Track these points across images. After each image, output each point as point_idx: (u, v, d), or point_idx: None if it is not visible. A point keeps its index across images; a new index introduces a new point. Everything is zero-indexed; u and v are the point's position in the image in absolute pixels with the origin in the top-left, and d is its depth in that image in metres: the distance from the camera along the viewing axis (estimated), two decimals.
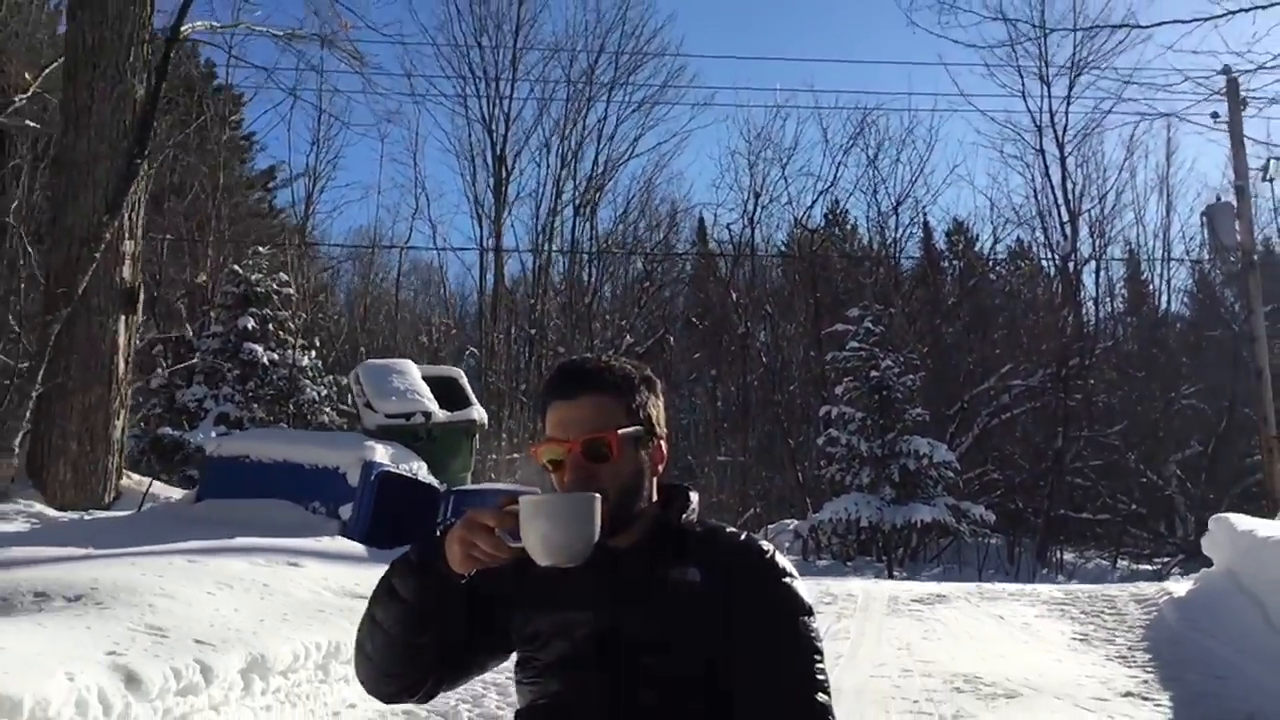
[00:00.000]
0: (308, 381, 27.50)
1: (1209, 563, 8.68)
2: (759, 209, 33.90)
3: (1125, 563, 27.40)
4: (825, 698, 1.54)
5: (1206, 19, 11.65)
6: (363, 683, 1.71)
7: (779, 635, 1.57)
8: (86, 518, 8.77)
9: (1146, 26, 31.62)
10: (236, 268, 26.93)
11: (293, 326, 27.61)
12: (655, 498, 1.67)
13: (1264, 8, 13.20)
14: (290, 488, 8.49)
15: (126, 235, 10.06)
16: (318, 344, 28.71)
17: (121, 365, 10.05)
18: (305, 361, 27.56)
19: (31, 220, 12.97)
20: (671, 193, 37.99)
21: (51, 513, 8.78)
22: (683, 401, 34.25)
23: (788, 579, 1.61)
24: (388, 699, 1.72)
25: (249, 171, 33.20)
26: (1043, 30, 28.72)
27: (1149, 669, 6.04)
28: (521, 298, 33.17)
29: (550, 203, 32.74)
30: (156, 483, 10.52)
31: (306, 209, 32.50)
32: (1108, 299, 36.23)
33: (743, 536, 1.69)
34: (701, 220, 36.95)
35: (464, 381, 11.38)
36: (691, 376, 34.40)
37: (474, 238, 39.93)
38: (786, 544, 25.75)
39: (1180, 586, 8.71)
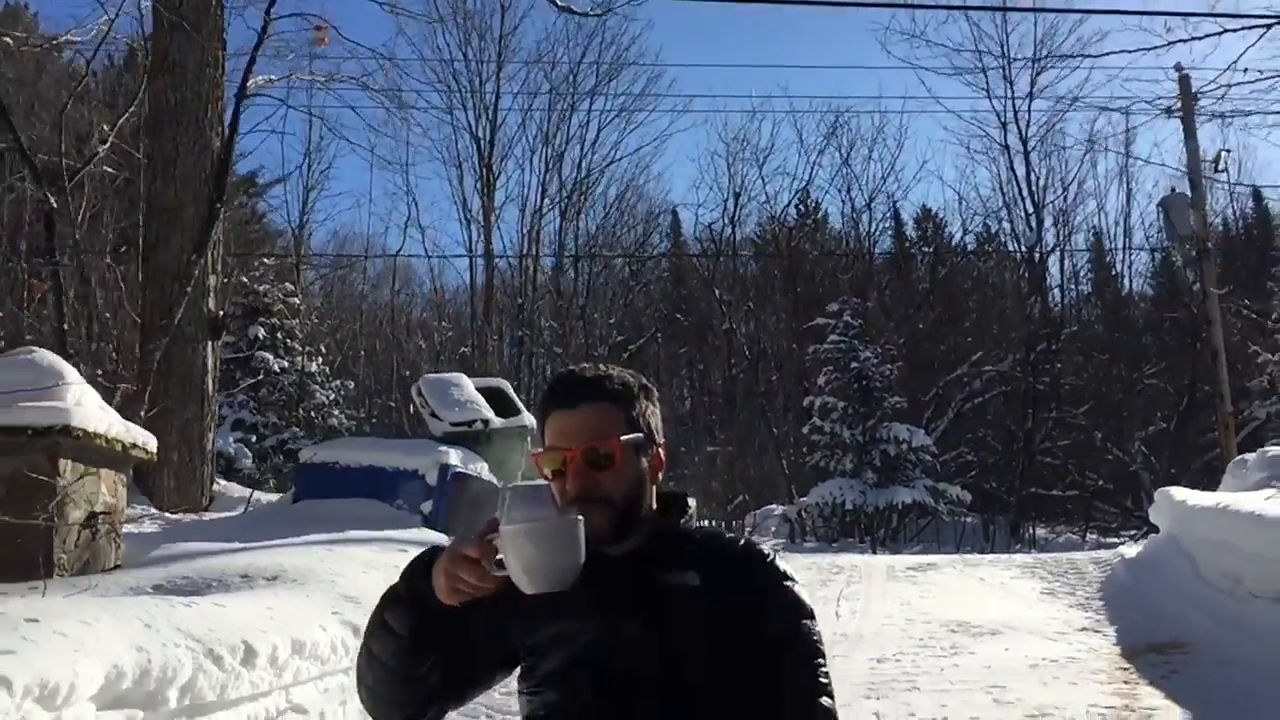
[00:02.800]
0: (316, 386, 28.57)
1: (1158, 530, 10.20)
2: (739, 208, 35.44)
3: (1094, 536, 28.43)
4: (830, 702, 1.55)
5: (1150, 48, 13.13)
6: (368, 711, 1.71)
7: (782, 640, 1.56)
8: (206, 519, 10.11)
9: (1097, 56, 33.28)
10: (244, 279, 27.82)
11: (299, 334, 28.65)
12: (654, 505, 1.67)
13: (1199, 39, 14.81)
14: (375, 488, 9.86)
15: (210, 271, 11.40)
16: (323, 350, 29.81)
17: (211, 385, 11.41)
18: (313, 368, 28.63)
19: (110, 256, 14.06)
20: (653, 193, 39.11)
21: (171, 515, 10.13)
22: (668, 394, 35.58)
23: (789, 583, 1.61)
24: None
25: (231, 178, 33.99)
26: (1006, 59, 30.49)
27: (1101, 612, 7.55)
28: (510, 300, 34.27)
29: (536, 206, 33.95)
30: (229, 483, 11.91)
31: (302, 218, 33.26)
32: (1073, 285, 37.66)
33: (742, 541, 1.70)
34: (675, 216, 38.25)
35: (510, 391, 12.79)
36: (682, 371, 35.67)
37: (462, 241, 41.08)
38: (773, 528, 27.05)
39: (1132, 550, 10.24)
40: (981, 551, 23.43)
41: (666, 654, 1.52)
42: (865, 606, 8.10)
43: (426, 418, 11.25)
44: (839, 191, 37.12)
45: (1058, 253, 35.39)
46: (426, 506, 9.78)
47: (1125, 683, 5.42)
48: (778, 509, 29.07)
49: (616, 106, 34.38)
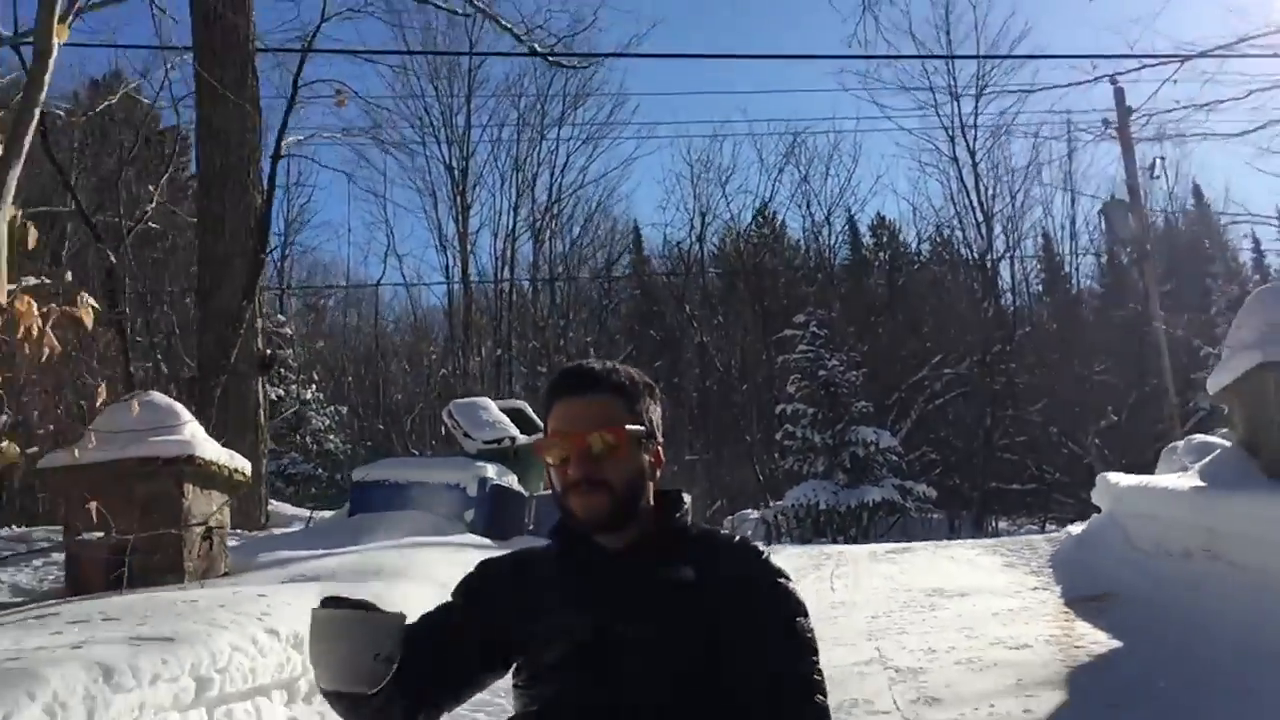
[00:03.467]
0: (312, 413, 29.65)
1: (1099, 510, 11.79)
2: (704, 226, 37.08)
3: (1053, 528, 30.02)
4: (823, 699, 1.56)
5: (1080, 83, 14.80)
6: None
7: (777, 637, 1.58)
8: (276, 533, 11.44)
9: (1033, 90, 35.60)
10: None
11: (293, 363, 29.69)
12: (653, 501, 1.68)
13: (1123, 73, 16.60)
14: (421, 501, 11.26)
15: (257, 315, 12.75)
16: (316, 377, 30.93)
17: (262, 416, 12.74)
18: (308, 395, 29.72)
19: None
20: (620, 213, 40.59)
21: (241, 532, 11.42)
22: None
23: (783, 580, 1.63)
24: None
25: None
26: (953, 96, 32.41)
27: (1048, 576, 9.11)
28: (488, 320, 35.48)
29: (509, 229, 35.29)
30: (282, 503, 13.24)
31: (284, 252, 34.23)
32: (1024, 287, 39.29)
33: (737, 539, 1.73)
34: (638, 232, 39.72)
35: (530, 411, 14.23)
36: (659, 384, 36.97)
37: (439, 265, 42.27)
38: (749, 530, 28.47)
39: (1078, 528, 11.80)
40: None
41: (662, 647, 1.55)
42: (855, 581, 9.65)
43: (460, 438, 12.66)
44: (799, 207, 38.93)
45: (1008, 258, 37.19)
46: (469, 515, 11.21)
47: (1065, 621, 6.98)
48: (753, 513, 30.39)
49: (583, 134, 35.91)
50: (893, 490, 27.50)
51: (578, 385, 1.66)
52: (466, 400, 14.22)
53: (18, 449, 8.03)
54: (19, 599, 8.97)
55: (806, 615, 1.63)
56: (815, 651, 1.60)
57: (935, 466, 32.14)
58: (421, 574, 7.57)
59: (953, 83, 34.68)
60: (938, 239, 38.61)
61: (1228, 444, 8.97)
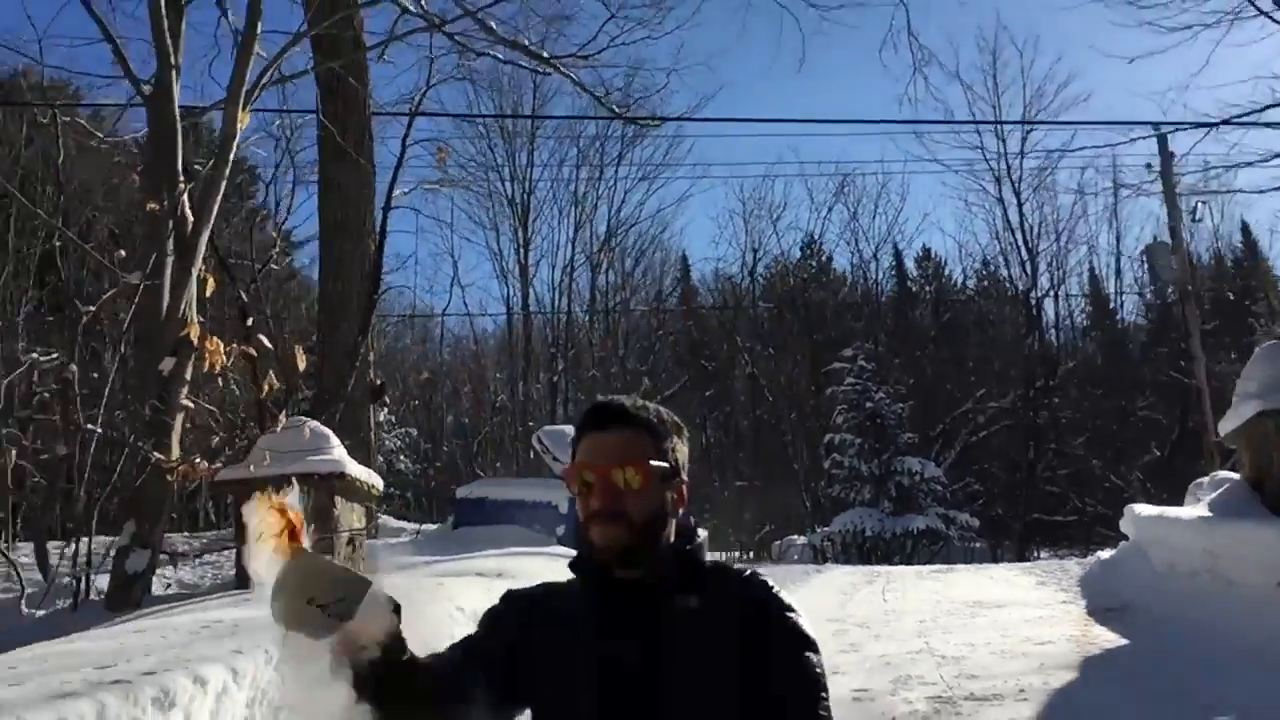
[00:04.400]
0: (385, 435, 31.27)
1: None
2: (756, 261, 38.48)
3: (1093, 559, 30.58)
4: None
5: (1116, 144, 16.20)
6: None
7: (785, 671, 1.59)
8: (392, 542, 12.97)
9: (1072, 151, 36.83)
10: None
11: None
12: (673, 538, 1.70)
13: (1154, 135, 17.93)
14: (517, 517, 12.74)
15: (370, 349, 14.32)
16: (387, 401, 32.57)
17: (373, 439, 14.29)
18: (380, 417, 31.32)
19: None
20: (672, 246, 42.12)
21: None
22: (696, 435, 38.24)
23: (791, 614, 1.64)
24: None
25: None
26: (999, 139, 33.58)
27: (1075, 592, 10.38)
28: (546, 349, 36.98)
29: (568, 261, 36.86)
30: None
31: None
32: (1069, 322, 39.80)
33: (748, 572, 1.73)
34: (685, 262, 41.12)
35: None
36: (711, 414, 38.21)
37: (500, 294, 43.87)
38: (796, 556, 29.59)
39: (1106, 554, 13.01)
40: None
41: (675, 679, 1.57)
42: (904, 594, 10.99)
43: (549, 461, 14.15)
44: (847, 244, 40.23)
45: (1052, 295, 37.58)
46: (560, 529, 12.68)
47: (1085, 625, 8.27)
48: (800, 539, 31.50)
49: (639, 173, 37.47)
50: (936, 519, 28.48)
51: (606, 420, 1.70)
52: (553, 428, 15.72)
53: (206, 464, 9.66)
54: (186, 592, 10.54)
55: (816, 650, 1.63)
56: (824, 687, 1.60)
57: (978, 497, 33.01)
58: (539, 575, 8.97)
59: (999, 127, 35.74)
60: (983, 273, 39.56)
61: (1238, 479, 10.21)
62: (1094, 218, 53.22)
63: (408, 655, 1.60)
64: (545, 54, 15.63)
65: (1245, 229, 39.62)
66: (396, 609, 1.57)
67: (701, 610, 1.62)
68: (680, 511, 1.73)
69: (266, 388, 10.30)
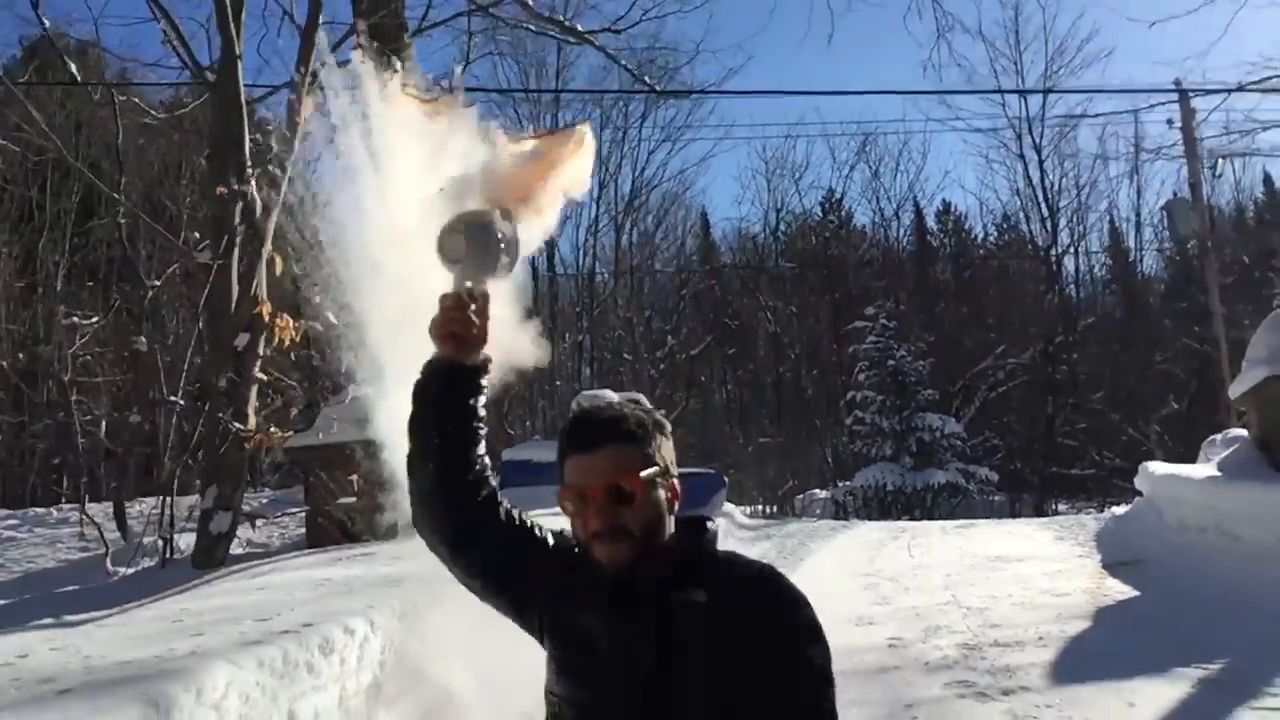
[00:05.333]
0: None
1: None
2: (779, 221, 38.88)
3: (1110, 511, 30.80)
4: None
5: (1134, 110, 16.57)
6: (422, 527, 1.85)
7: (790, 665, 1.60)
8: None
9: (1092, 117, 36.62)
10: None
11: None
12: (673, 530, 1.72)
13: (1162, 103, 18.26)
14: (557, 477, 13.31)
15: None
16: None
17: None
18: None
19: None
20: (695, 205, 42.43)
21: None
22: (720, 393, 38.87)
23: (801, 606, 1.65)
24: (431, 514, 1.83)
25: None
26: (1021, 95, 33.61)
27: (1091, 547, 11.01)
28: (569, 309, 37.48)
29: (592, 220, 37.33)
30: None
31: None
32: (1088, 278, 40.38)
33: (757, 566, 1.73)
34: (705, 219, 41.45)
35: (644, 399, 16.34)
36: (735, 371, 38.79)
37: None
38: (818, 510, 30.27)
39: (1121, 509, 13.62)
40: None
41: (669, 665, 1.59)
42: (929, 550, 11.66)
43: None
44: (869, 203, 40.56)
45: (1072, 251, 38.22)
46: None
47: (1099, 578, 8.91)
48: (822, 493, 32.12)
49: (663, 134, 37.77)
50: (956, 474, 29.06)
51: (589, 438, 1.70)
52: (592, 392, 16.36)
53: (280, 432, 10.37)
54: (258, 551, 11.30)
55: (823, 642, 1.64)
56: (829, 680, 1.62)
57: (998, 451, 33.56)
58: None
59: (1020, 81, 35.86)
60: (1004, 226, 39.79)
61: (1247, 439, 10.77)
62: (1115, 174, 53.24)
63: (481, 412, 1.85)
64: (579, 28, 16.05)
65: (1268, 180, 39.54)
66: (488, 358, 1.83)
67: (708, 604, 1.63)
68: (675, 506, 1.74)
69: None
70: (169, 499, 9.88)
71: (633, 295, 38.69)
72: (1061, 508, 31.80)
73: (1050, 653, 6.34)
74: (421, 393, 1.82)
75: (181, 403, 10.39)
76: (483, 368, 1.84)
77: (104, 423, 16.34)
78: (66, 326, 21.27)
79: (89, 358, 21.29)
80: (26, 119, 15.19)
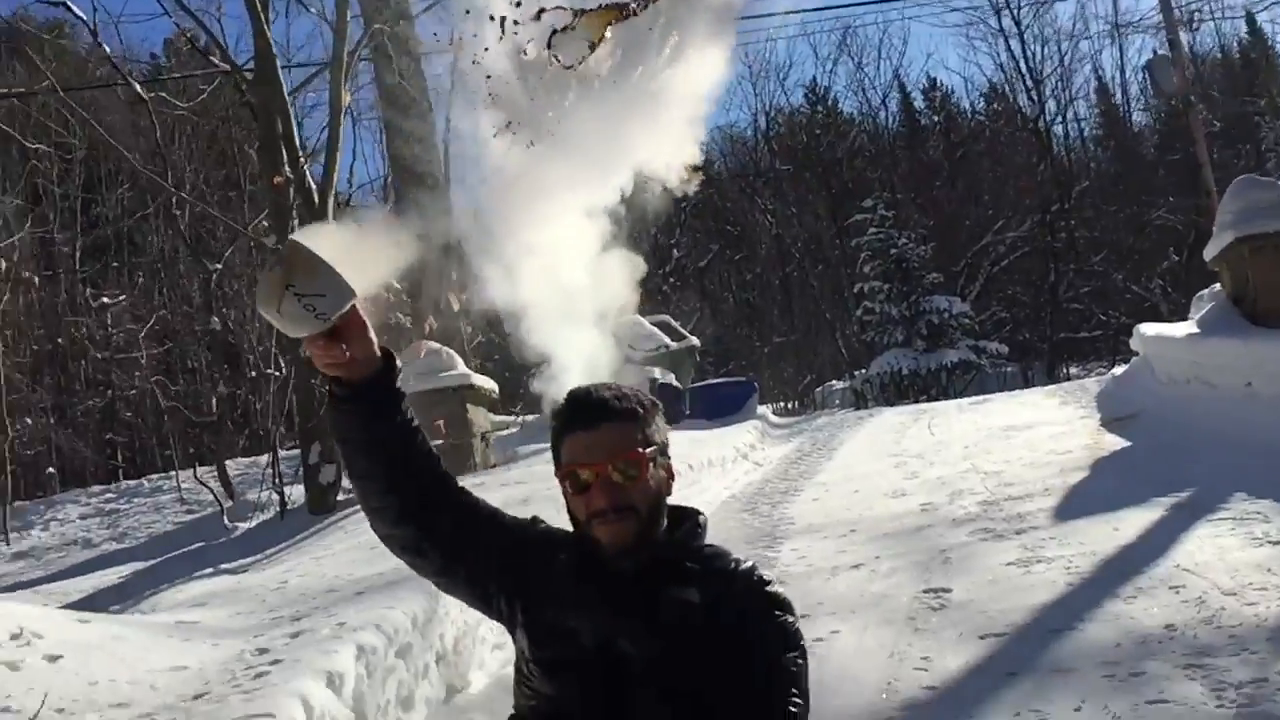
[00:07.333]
0: None
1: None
2: (769, 124, 39.50)
3: (1121, 368, 31.62)
4: None
5: None
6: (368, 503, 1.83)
7: (765, 668, 1.63)
8: (501, 434, 15.05)
9: None
10: None
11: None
12: (666, 521, 1.74)
13: None
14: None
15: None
16: None
17: (464, 344, 16.32)
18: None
19: None
20: None
21: None
22: (729, 298, 39.87)
23: (781, 613, 1.68)
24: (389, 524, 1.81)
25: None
26: None
27: (1091, 407, 12.27)
28: None
29: None
30: None
31: None
32: (1079, 142, 40.71)
33: (745, 565, 1.74)
34: None
35: (674, 323, 17.65)
36: (746, 278, 39.68)
37: None
38: (837, 401, 31.34)
39: (1120, 370, 14.88)
40: None
41: (663, 667, 1.61)
42: (948, 427, 12.99)
43: (625, 349, 16.12)
44: (855, 95, 40.98)
45: (1060, 118, 38.47)
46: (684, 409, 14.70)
47: (1097, 435, 10.23)
48: (838, 384, 33.14)
49: None
50: (968, 351, 29.96)
51: (588, 416, 1.70)
52: (625, 318, 17.64)
53: None
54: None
55: (799, 649, 1.68)
56: (799, 687, 1.65)
57: (1006, 324, 34.49)
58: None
59: None
60: (991, 96, 40.13)
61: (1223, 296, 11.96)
62: (1096, 36, 53.12)
63: (404, 406, 1.76)
64: None
65: (1250, 19, 39.15)
66: (389, 357, 1.72)
67: (697, 603, 1.66)
68: (671, 487, 1.77)
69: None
70: (275, 458, 11.21)
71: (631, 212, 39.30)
72: (1073, 371, 32.65)
73: (1053, 500, 7.65)
74: (343, 441, 1.79)
75: (278, 374, 11.64)
76: (382, 376, 1.74)
77: (177, 393, 17.60)
78: (97, 307, 22.49)
79: (120, 335, 22.53)
80: (78, 124, 16.09)
